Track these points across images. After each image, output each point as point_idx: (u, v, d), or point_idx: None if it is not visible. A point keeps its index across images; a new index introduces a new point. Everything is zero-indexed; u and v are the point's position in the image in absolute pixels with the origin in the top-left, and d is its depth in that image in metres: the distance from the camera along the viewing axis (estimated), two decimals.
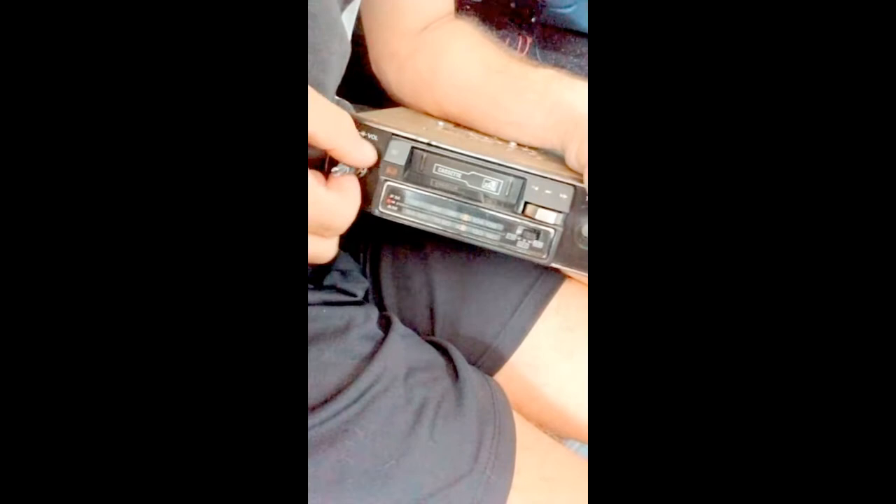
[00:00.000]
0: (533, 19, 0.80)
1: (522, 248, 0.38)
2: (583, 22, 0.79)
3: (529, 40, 0.81)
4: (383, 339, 0.40)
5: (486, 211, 0.38)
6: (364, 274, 0.50)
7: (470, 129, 0.47)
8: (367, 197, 0.38)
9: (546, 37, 0.82)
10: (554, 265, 0.39)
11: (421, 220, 0.38)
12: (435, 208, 0.38)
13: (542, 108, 0.43)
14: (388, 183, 0.38)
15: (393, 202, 0.38)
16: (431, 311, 0.48)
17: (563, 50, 0.82)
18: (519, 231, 0.38)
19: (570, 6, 0.78)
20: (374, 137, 0.38)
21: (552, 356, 0.47)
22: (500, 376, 0.47)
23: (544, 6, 0.78)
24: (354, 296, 0.45)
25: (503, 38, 0.77)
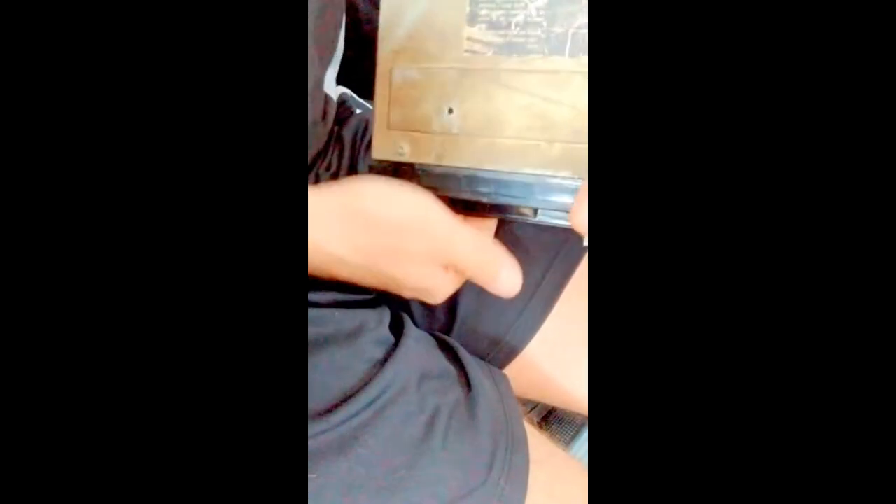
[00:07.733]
0: None
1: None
2: None
3: None
4: (396, 344, 0.39)
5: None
6: None
7: None
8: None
9: None
10: None
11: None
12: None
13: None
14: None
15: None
16: (453, 302, 0.47)
17: None
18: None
19: None
20: None
21: (570, 338, 0.47)
22: (516, 364, 0.47)
23: None
24: (368, 293, 0.43)
25: None
